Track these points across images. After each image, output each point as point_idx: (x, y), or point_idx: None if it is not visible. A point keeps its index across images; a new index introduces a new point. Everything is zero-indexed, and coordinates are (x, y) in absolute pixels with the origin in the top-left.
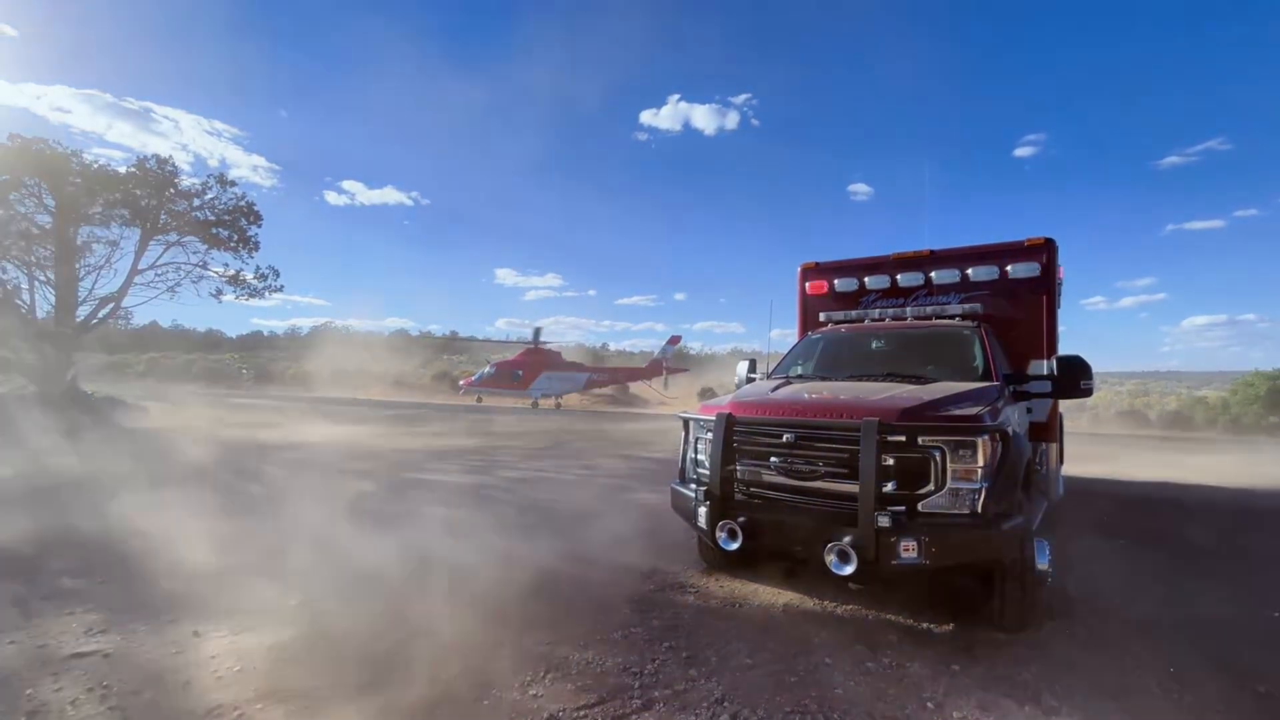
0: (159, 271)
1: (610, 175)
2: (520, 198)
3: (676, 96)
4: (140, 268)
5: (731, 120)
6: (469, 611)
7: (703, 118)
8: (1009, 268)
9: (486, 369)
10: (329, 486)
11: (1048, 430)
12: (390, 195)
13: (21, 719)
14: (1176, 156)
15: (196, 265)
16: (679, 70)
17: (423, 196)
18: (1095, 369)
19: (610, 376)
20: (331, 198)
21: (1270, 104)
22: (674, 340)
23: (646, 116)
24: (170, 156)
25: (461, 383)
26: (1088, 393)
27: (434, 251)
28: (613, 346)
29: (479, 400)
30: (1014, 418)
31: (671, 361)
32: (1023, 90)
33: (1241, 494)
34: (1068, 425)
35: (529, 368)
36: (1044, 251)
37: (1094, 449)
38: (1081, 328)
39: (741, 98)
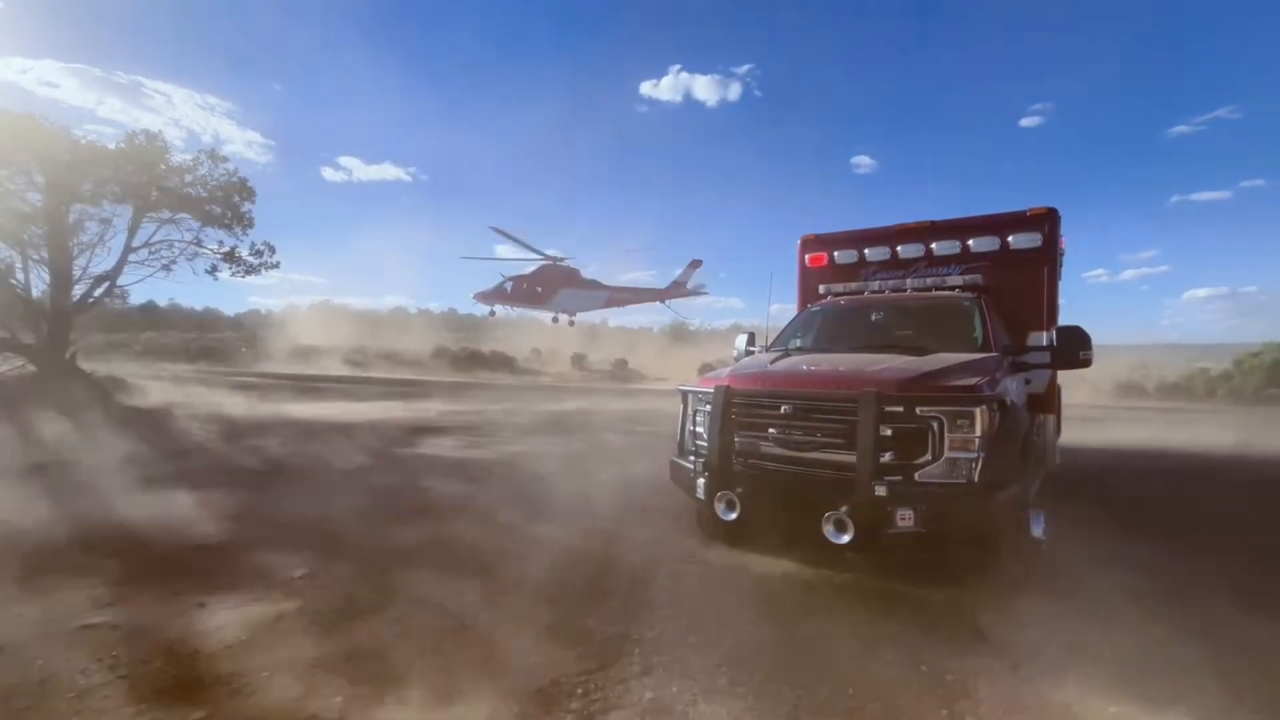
0: (153, 249)
1: (610, 148)
2: (519, 172)
3: (677, 67)
4: (134, 245)
5: (734, 91)
6: (471, 582)
7: (704, 89)
8: (1010, 238)
9: (503, 283)
10: (333, 461)
11: (1046, 402)
12: (388, 171)
13: (33, 688)
14: (1185, 126)
15: (191, 243)
16: (680, 40)
17: (420, 172)
18: (1095, 341)
19: (631, 296)
20: (328, 174)
21: None
22: (695, 264)
23: (647, 88)
24: (160, 131)
25: (474, 296)
26: (1087, 363)
27: (433, 227)
28: (612, 323)
29: (492, 314)
30: (1012, 388)
31: (691, 284)
32: (1030, 58)
33: None
34: (1066, 398)
35: (548, 283)
36: (1045, 222)
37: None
38: (1083, 300)
39: (744, 68)
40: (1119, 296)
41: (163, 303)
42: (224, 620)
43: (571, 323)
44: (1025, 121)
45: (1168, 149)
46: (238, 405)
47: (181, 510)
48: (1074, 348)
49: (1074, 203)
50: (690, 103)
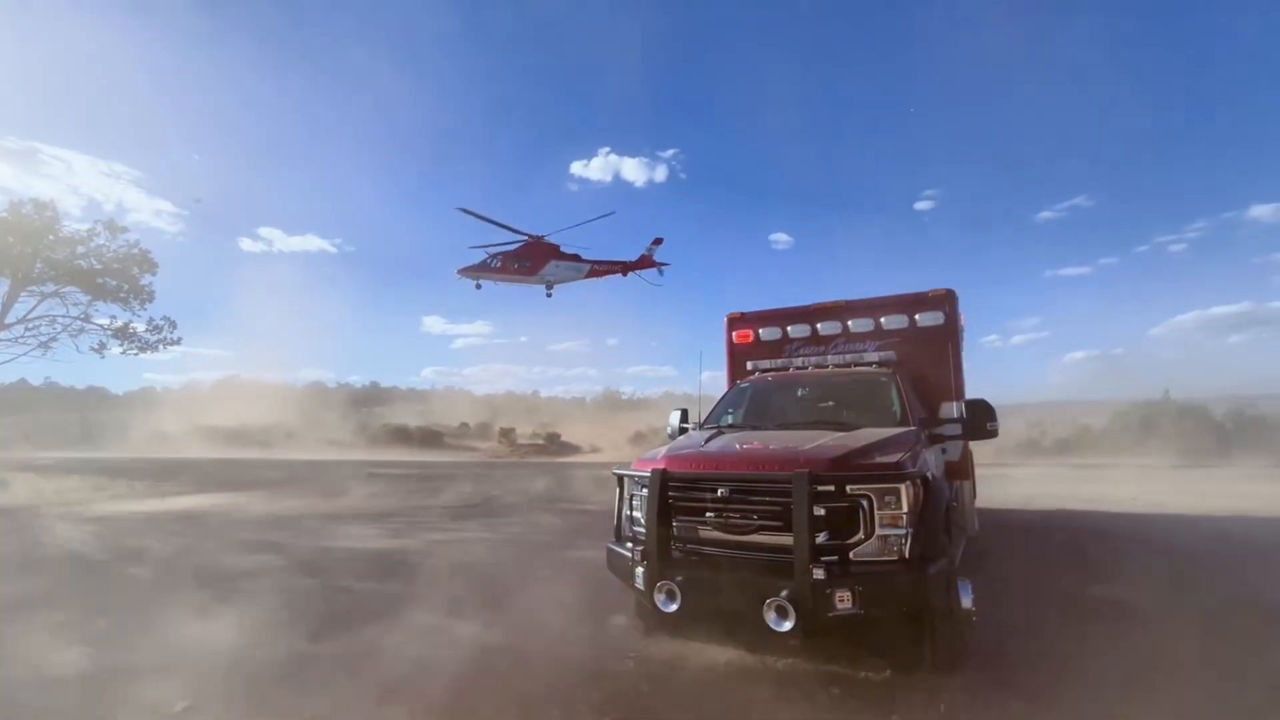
0: (30, 325)
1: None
2: (448, 245)
3: (607, 149)
4: (7, 321)
5: (660, 173)
6: (386, 700)
7: (632, 170)
8: (916, 316)
9: (487, 259)
10: (224, 569)
11: (961, 469)
12: (311, 242)
13: None
14: (1049, 211)
15: (77, 318)
16: (609, 124)
17: (346, 244)
18: (997, 402)
19: (606, 268)
20: (246, 244)
21: (1122, 165)
22: (657, 241)
23: (578, 168)
24: (51, 200)
25: (458, 271)
26: (994, 434)
27: (358, 300)
28: (544, 393)
29: (478, 287)
30: (931, 461)
31: (656, 259)
32: (921, 146)
33: None
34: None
35: (536, 257)
36: (945, 301)
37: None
38: (983, 364)
39: (669, 152)
40: (1011, 359)
41: (37, 381)
42: None
43: (550, 294)
44: (919, 204)
45: (1038, 230)
46: (107, 500)
47: (35, 635)
48: (981, 420)
49: (967, 275)
50: (620, 183)
